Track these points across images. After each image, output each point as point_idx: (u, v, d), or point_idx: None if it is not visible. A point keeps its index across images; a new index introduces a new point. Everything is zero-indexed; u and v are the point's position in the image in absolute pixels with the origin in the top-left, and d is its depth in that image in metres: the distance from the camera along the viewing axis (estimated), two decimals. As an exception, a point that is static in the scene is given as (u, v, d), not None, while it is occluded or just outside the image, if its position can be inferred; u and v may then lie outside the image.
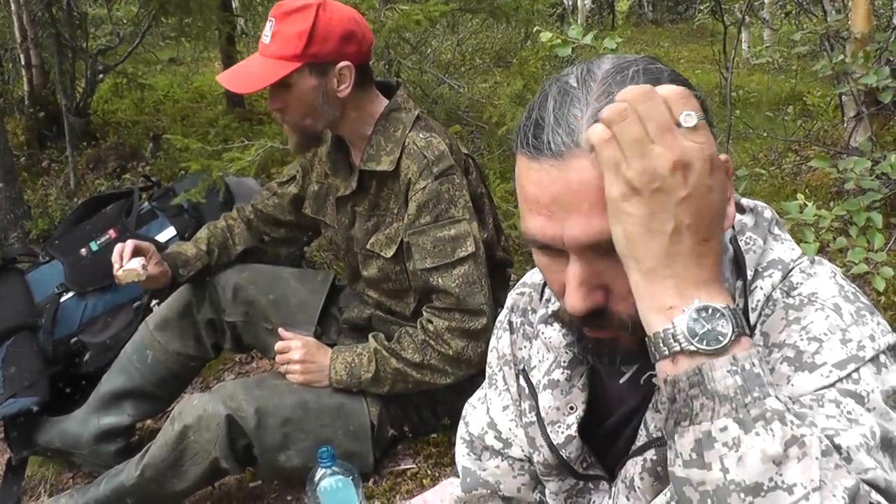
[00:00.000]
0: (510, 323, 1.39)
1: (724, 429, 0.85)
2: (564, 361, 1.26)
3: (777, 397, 0.86)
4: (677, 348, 0.88)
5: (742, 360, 0.86)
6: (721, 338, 0.86)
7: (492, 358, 1.44)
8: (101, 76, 6.07)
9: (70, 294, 3.06)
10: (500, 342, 1.41)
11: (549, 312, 1.28)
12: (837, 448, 0.88)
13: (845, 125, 4.39)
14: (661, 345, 0.89)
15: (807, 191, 4.19)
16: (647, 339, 0.91)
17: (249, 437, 2.27)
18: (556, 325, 1.25)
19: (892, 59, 3.82)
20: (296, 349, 2.39)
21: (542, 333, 1.29)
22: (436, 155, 2.26)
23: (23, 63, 5.95)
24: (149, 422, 2.91)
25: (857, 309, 1.03)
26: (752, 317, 1.06)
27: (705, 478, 0.86)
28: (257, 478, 2.55)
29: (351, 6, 2.30)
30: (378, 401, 2.41)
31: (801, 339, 1.00)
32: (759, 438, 0.83)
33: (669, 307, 0.88)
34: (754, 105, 6.03)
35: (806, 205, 2.81)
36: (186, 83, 8.06)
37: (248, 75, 2.24)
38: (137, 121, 6.60)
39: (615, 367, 1.10)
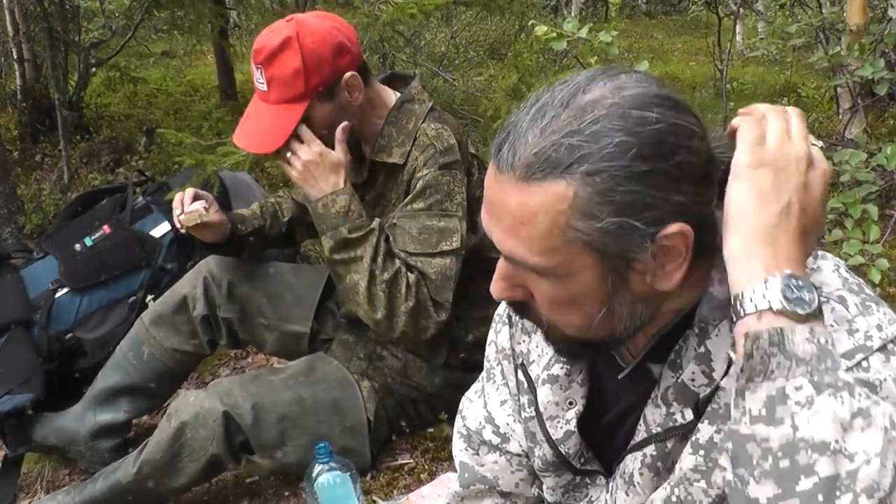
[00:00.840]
0: (509, 317, 1.39)
1: (800, 388, 0.89)
2: (564, 357, 1.26)
3: (849, 370, 0.93)
4: (766, 306, 0.92)
5: (819, 334, 0.91)
6: (806, 306, 0.91)
7: (490, 351, 1.44)
8: (93, 69, 6.05)
9: (65, 290, 3.05)
10: (498, 336, 1.41)
11: None
12: None
13: (840, 117, 4.40)
14: (750, 301, 0.93)
15: (802, 183, 4.19)
16: (734, 296, 0.96)
17: (246, 433, 2.27)
18: None
19: (887, 51, 3.82)
20: (311, 149, 2.20)
21: None
22: (444, 147, 2.24)
23: (15, 57, 5.91)
24: (145, 418, 2.90)
25: (862, 300, 1.04)
26: None
27: (771, 434, 0.89)
28: (254, 474, 2.54)
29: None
30: (375, 397, 2.41)
31: None
32: (831, 400, 0.88)
33: (765, 269, 0.94)
34: (749, 97, 6.03)
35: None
36: (179, 76, 8.03)
37: (265, 132, 2.20)
38: (130, 114, 6.57)
39: (556, 352, 1.18)
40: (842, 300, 1.03)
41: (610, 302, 1.04)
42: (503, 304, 1.42)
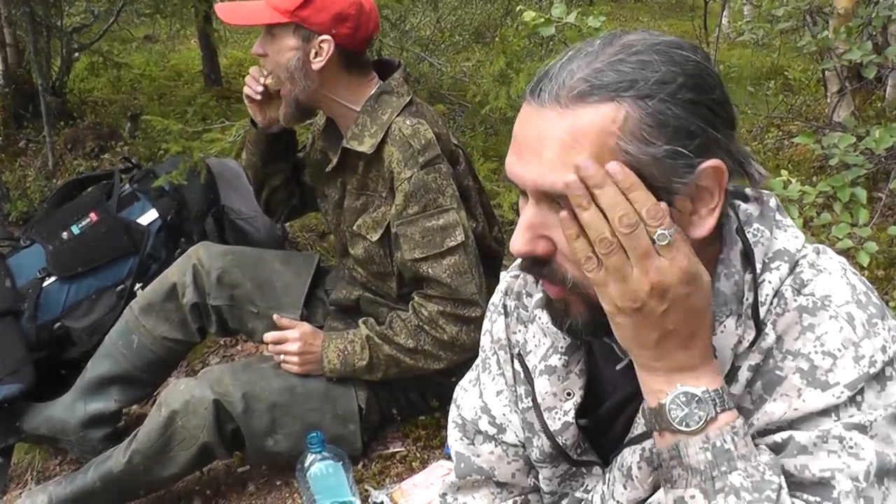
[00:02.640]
0: (504, 306, 1.38)
1: (693, 497, 1.01)
2: (562, 347, 1.26)
3: (742, 471, 0.99)
4: (662, 426, 1.03)
5: (714, 438, 1.01)
6: (696, 421, 1.01)
7: (485, 341, 1.43)
8: (76, 54, 5.98)
9: (52, 278, 3.03)
10: (493, 326, 1.40)
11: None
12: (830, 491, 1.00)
13: (828, 100, 4.40)
14: (653, 421, 1.05)
15: (790, 166, 4.19)
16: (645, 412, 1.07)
17: (237, 421, 2.26)
18: None
19: (874, 34, 3.82)
20: (293, 340, 2.37)
21: (539, 318, 1.29)
22: (422, 144, 2.23)
23: (-3, 42, 5.85)
24: (135, 407, 2.89)
25: (868, 317, 1.05)
26: (762, 310, 1.07)
27: None
28: (245, 463, 2.54)
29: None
30: (366, 384, 2.41)
31: (816, 353, 1.04)
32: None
33: (659, 391, 1.03)
34: (735, 80, 6.01)
35: (790, 181, 2.81)
36: (163, 61, 7.96)
37: (241, 12, 2.31)
38: (114, 99, 6.51)
39: (566, 331, 1.14)
40: (850, 319, 1.04)
41: None
42: (497, 295, 1.41)
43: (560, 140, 0.98)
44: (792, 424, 1.04)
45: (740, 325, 1.07)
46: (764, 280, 1.08)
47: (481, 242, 2.39)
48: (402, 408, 2.55)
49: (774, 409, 1.05)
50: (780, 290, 1.08)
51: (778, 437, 1.04)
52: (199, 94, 6.23)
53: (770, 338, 1.06)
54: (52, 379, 2.92)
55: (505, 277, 1.41)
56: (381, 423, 2.54)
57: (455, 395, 1.49)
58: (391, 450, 2.49)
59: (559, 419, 1.26)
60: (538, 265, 1.07)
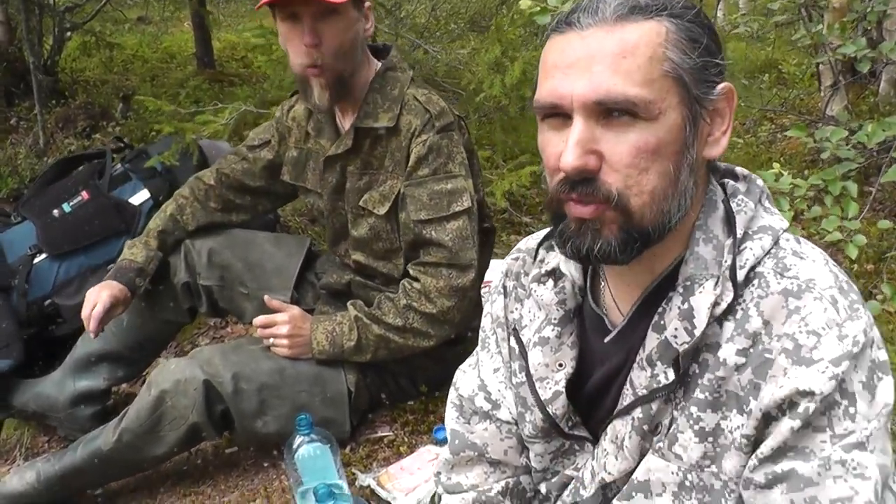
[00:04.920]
0: (504, 287, 1.43)
1: None
2: (555, 318, 1.29)
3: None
4: None
5: None
6: None
7: (485, 322, 1.47)
8: (68, 34, 5.96)
9: (43, 255, 3.02)
10: (493, 306, 1.44)
11: (543, 272, 1.32)
12: None
13: (822, 94, 4.41)
14: None
15: (782, 159, 4.21)
16: None
17: (227, 402, 2.26)
18: (549, 283, 1.30)
19: (869, 28, 3.83)
20: (282, 323, 2.37)
21: (535, 292, 1.32)
22: (437, 110, 2.27)
23: (-12, 19, 5.82)
24: (124, 386, 2.89)
25: (850, 302, 1.08)
26: (740, 274, 1.11)
27: None
28: (233, 444, 2.54)
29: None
30: (355, 368, 2.41)
31: (801, 332, 1.06)
32: None
33: None
34: (729, 73, 6.01)
35: (782, 174, 2.82)
36: (156, 43, 7.93)
37: None
38: (106, 80, 6.48)
39: (590, 261, 1.13)
40: (833, 302, 1.06)
41: (681, 158, 1.09)
42: (499, 277, 1.45)
43: (611, 53, 1.05)
44: (777, 406, 1.05)
45: (718, 287, 1.10)
46: (746, 247, 1.12)
47: (480, 212, 2.40)
48: (392, 392, 2.55)
49: (765, 393, 1.07)
50: (761, 271, 1.11)
51: (779, 468, 1.06)
52: (192, 77, 6.21)
53: (756, 321, 1.09)
54: (42, 356, 2.92)
55: (506, 260, 1.45)
56: (369, 407, 2.54)
57: (455, 378, 1.52)
58: (379, 434, 2.50)
59: (550, 389, 1.29)
60: (582, 183, 1.08)
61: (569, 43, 1.08)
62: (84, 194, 3.14)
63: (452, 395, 1.50)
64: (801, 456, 1.04)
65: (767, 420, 1.07)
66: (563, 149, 1.07)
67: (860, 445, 1.03)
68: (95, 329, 2.41)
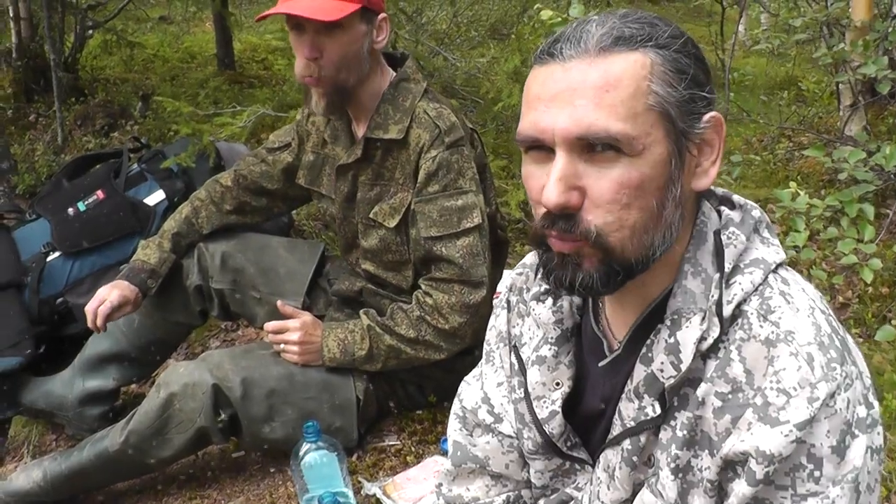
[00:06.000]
0: (508, 302, 1.43)
1: None
2: (552, 338, 1.29)
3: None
4: None
5: None
6: None
7: (490, 336, 1.47)
8: (90, 32, 5.98)
9: (56, 253, 3.04)
10: (498, 320, 1.44)
11: (542, 290, 1.31)
12: None
13: (840, 113, 4.38)
14: None
15: (798, 178, 4.19)
16: None
17: (235, 407, 2.26)
18: (548, 302, 1.29)
19: (890, 48, 3.81)
20: (294, 330, 2.36)
21: (533, 310, 1.31)
22: (448, 125, 2.25)
23: (11, 15, 5.84)
24: (133, 387, 2.90)
25: (828, 360, 1.04)
26: (727, 310, 1.08)
27: None
28: (240, 448, 2.54)
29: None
30: (364, 376, 2.40)
31: (771, 389, 1.04)
32: None
33: None
34: (749, 88, 6.02)
35: (798, 193, 2.81)
36: (177, 42, 7.95)
37: (314, 6, 2.15)
38: (126, 79, 6.50)
39: (574, 292, 1.12)
40: (809, 360, 1.03)
41: (666, 193, 1.06)
42: (504, 291, 1.44)
43: (594, 86, 1.03)
44: (736, 459, 1.05)
45: (704, 322, 1.08)
46: (735, 282, 1.10)
47: (492, 225, 2.40)
48: (400, 401, 2.55)
49: (728, 442, 1.06)
50: (746, 310, 1.08)
51: None
52: (212, 78, 6.22)
53: (737, 367, 1.07)
54: (52, 354, 2.93)
55: (511, 274, 1.44)
56: (377, 416, 2.53)
57: (459, 390, 1.52)
58: (386, 443, 2.49)
59: (546, 408, 1.28)
60: (563, 219, 1.07)
61: (551, 75, 1.06)
62: (99, 193, 3.16)
63: (456, 406, 1.50)
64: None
65: (725, 469, 1.07)
66: (545, 182, 1.05)
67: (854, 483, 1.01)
68: (99, 324, 2.42)
